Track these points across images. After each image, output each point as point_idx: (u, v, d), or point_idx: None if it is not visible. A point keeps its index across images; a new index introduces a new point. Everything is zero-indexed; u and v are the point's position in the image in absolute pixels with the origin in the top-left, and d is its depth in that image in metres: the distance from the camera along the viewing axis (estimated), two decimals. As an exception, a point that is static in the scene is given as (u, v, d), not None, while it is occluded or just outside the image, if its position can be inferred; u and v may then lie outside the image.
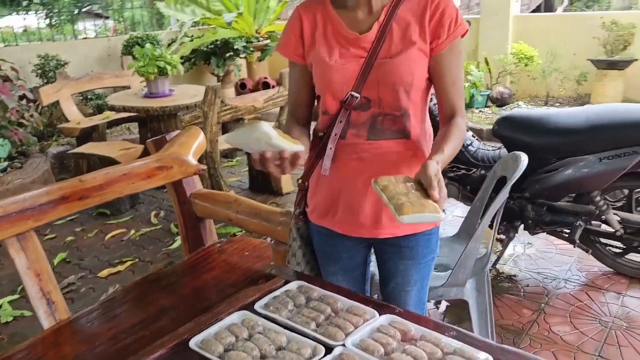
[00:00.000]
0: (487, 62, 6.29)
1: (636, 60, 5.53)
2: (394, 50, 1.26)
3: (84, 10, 13.47)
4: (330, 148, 1.33)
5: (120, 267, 3.16)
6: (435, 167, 1.10)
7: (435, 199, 1.05)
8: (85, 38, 6.70)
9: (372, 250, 1.53)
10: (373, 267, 1.59)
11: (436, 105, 1.37)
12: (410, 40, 1.26)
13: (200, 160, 3.59)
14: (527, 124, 2.62)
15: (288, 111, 1.48)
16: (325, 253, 1.52)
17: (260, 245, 2.14)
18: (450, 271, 2.01)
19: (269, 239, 2.06)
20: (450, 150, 1.21)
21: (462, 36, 1.28)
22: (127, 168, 1.89)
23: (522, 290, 2.72)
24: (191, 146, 2.07)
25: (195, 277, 1.86)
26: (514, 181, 1.79)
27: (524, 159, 1.85)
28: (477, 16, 6.67)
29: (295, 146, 1.13)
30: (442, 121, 1.33)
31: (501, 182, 1.98)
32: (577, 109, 2.70)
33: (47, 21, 11.50)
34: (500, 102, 6.15)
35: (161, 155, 1.98)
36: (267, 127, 1.07)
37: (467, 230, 2.22)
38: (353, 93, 1.28)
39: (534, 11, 8.59)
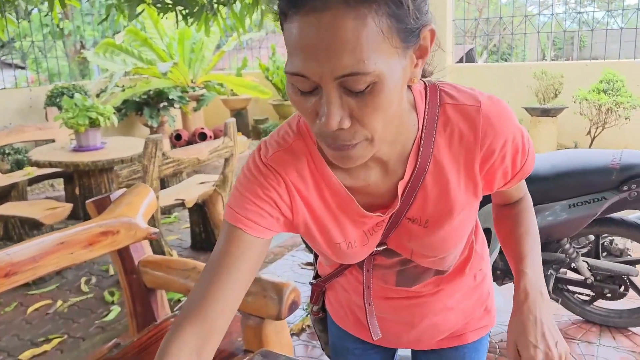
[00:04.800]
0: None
1: (567, 107, 5.77)
2: (430, 214, 0.85)
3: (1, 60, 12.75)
4: (370, 304, 1.00)
5: (45, 347, 2.72)
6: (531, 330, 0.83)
7: None
8: (4, 88, 6.19)
9: None
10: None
11: None
12: (454, 200, 0.84)
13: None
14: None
15: (188, 308, 0.78)
16: (343, 348, 1.19)
17: (222, 318, 1.85)
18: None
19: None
20: (534, 258, 0.92)
21: None
22: (65, 235, 1.58)
23: (498, 347, 2.57)
24: (140, 206, 1.79)
25: (149, 364, 1.56)
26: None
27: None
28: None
29: None
30: (498, 205, 1.05)
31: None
32: (540, 156, 2.66)
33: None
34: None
35: (105, 218, 1.69)
36: None
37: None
38: (377, 249, 0.91)
39: (458, 62, 8.94)
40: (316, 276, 1.13)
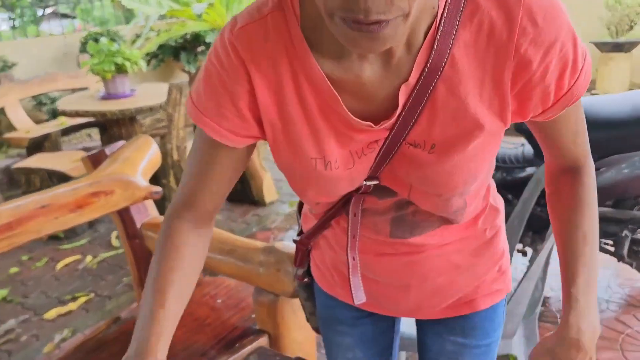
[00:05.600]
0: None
1: (643, 41, 5.13)
2: (439, 137, 0.65)
3: (49, 11, 12.77)
4: (354, 258, 0.82)
5: (71, 305, 2.62)
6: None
7: None
8: (38, 36, 6.08)
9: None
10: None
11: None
12: (472, 118, 0.63)
13: (165, 171, 3.06)
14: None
15: (180, 201, 0.76)
16: (332, 319, 0.98)
17: (237, 288, 1.63)
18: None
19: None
20: (591, 277, 0.74)
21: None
22: (47, 197, 1.36)
23: (559, 316, 2.26)
24: (139, 162, 1.55)
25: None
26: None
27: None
28: None
29: None
30: (551, 174, 0.82)
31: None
32: (619, 97, 2.23)
33: (11, 23, 10.82)
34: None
35: (97, 176, 1.46)
36: None
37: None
38: (367, 183, 0.72)
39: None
40: (300, 232, 0.95)
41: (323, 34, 0.63)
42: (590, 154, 0.78)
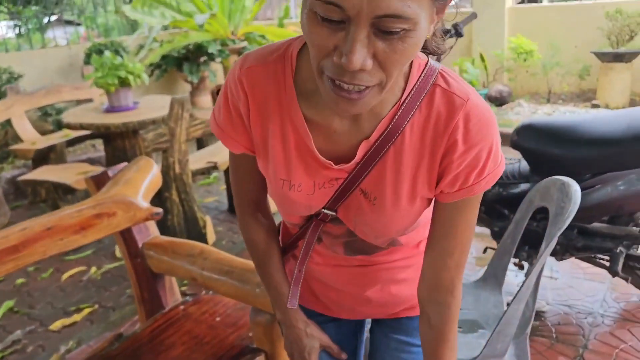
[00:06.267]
0: (482, 59, 5.87)
1: (643, 51, 5.15)
2: (380, 190, 0.81)
3: (54, 18, 12.87)
4: (300, 271, 0.97)
5: (76, 317, 2.66)
6: None
7: None
8: (44, 47, 6.15)
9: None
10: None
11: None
12: (409, 185, 0.80)
13: (168, 184, 3.11)
14: (555, 133, 2.18)
15: (242, 202, 1.00)
16: None
17: (235, 307, 1.67)
18: (480, 333, 1.57)
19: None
20: None
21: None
22: (52, 220, 1.41)
23: (554, 331, 2.28)
24: (140, 184, 1.59)
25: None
26: (568, 221, 1.34)
27: (575, 189, 1.41)
28: (469, 9, 6.26)
29: None
30: (422, 295, 0.91)
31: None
32: (615, 114, 2.26)
33: (16, 31, 10.92)
34: (499, 101, 5.73)
35: (99, 198, 1.51)
36: None
37: (495, 274, 1.77)
38: (326, 211, 0.87)
39: (520, 3, 8.23)
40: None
41: (311, 87, 0.79)
42: (460, 289, 0.88)
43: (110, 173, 1.63)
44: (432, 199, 0.84)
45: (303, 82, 0.79)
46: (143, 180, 1.61)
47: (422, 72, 0.76)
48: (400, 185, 0.80)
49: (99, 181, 1.65)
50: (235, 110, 0.83)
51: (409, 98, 0.76)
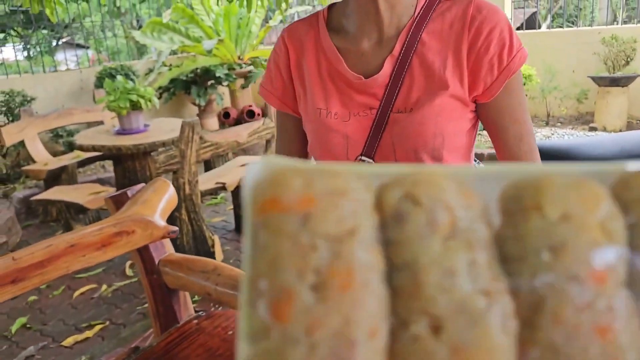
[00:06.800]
0: (482, 83, 6.00)
1: (639, 76, 5.27)
2: (415, 99, 0.87)
3: (64, 40, 13.13)
4: None
5: (88, 333, 2.75)
6: None
7: None
8: (56, 71, 6.31)
9: None
10: None
11: None
12: (439, 81, 0.86)
13: (178, 204, 3.21)
14: (553, 156, 2.29)
15: None
16: None
17: (246, 321, 1.75)
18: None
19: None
20: None
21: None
22: (75, 237, 1.51)
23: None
24: (157, 204, 1.69)
25: (165, 373, 1.48)
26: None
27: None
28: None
29: None
30: None
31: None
32: (608, 137, 2.37)
33: (25, 53, 11.15)
34: (498, 123, 5.84)
35: (119, 217, 1.61)
36: None
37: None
38: (363, 158, 0.91)
39: (519, 29, 8.41)
40: None
41: (340, 22, 0.96)
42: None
43: (129, 193, 1.73)
44: (466, 104, 0.88)
45: (333, 20, 0.96)
46: (160, 200, 1.71)
47: None
48: (431, 85, 0.86)
49: (118, 201, 1.74)
50: (276, 68, 1.00)
51: (422, 10, 0.88)
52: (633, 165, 0.34)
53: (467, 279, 0.32)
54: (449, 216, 0.33)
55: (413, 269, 0.32)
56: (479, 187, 0.35)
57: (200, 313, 1.83)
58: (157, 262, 1.75)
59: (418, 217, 0.33)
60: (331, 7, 0.98)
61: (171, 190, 1.77)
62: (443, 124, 0.86)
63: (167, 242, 1.80)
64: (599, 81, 5.36)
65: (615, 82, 5.25)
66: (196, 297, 2.90)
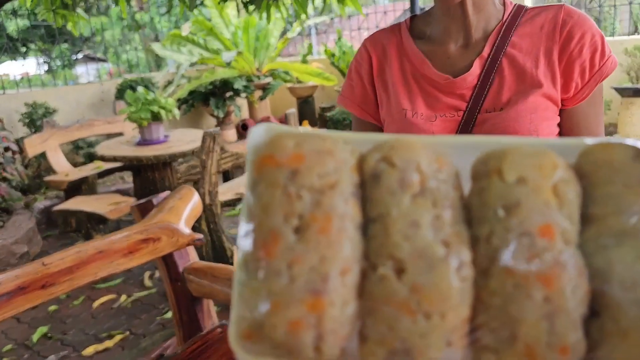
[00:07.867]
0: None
1: (663, 86, 5.19)
2: (506, 98, 0.86)
3: (84, 54, 13.35)
4: None
5: (108, 343, 2.74)
6: None
7: None
8: (76, 84, 6.40)
9: None
10: None
11: None
12: (531, 80, 0.85)
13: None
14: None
15: None
16: None
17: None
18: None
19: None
20: None
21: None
22: (104, 244, 1.50)
23: None
24: (183, 211, 1.68)
25: (191, 382, 1.46)
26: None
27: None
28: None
29: None
30: None
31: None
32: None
33: (46, 67, 11.35)
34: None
35: (146, 224, 1.60)
36: None
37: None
38: None
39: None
40: None
41: (424, 27, 0.97)
42: None
43: (154, 201, 1.73)
44: (557, 105, 0.87)
45: (415, 28, 0.98)
46: (185, 207, 1.70)
47: (514, 5, 0.92)
48: (523, 85, 0.86)
49: (144, 209, 1.74)
50: (357, 76, 1.01)
51: (511, 14, 0.89)
52: (590, 140, 0.40)
53: (430, 231, 0.37)
54: (420, 177, 0.38)
55: (384, 220, 0.37)
56: (457, 156, 0.41)
57: (223, 322, 1.81)
58: (181, 270, 1.74)
59: (391, 176, 0.38)
60: (413, 17, 1.00)
61: (196, 198, 1.76)
62: (537, 122, 0.85)
63: (192, 250, 1.78)
64: (623, 92, 5.29)
65: (638, 92, 5.18)
66: (217, 307, 2.88)
